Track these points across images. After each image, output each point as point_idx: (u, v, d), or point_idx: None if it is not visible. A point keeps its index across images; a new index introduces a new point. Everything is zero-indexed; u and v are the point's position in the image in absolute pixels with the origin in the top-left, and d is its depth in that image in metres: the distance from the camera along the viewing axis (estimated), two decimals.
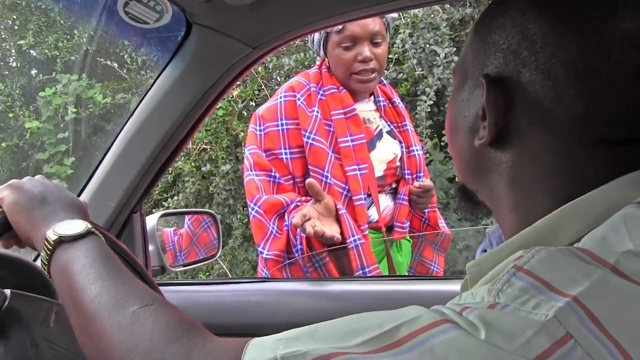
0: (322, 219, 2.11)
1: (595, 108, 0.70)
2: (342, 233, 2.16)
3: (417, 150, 2.51)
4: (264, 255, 2.20)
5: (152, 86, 1.48)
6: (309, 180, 2.11)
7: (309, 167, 2.26)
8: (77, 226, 0.96)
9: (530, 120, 0.75)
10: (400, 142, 2.49)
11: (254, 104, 5.76)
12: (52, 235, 0.94)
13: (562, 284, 0.56)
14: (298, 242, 2.13)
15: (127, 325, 0.77)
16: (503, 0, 0.81)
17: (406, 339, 0.58)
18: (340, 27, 2.26)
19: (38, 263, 1.28)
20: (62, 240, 0.93)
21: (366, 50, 2.31)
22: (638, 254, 0.59)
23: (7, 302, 1.03)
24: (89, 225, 0.97)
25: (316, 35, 2.40)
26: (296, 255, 2.16)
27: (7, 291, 1.04)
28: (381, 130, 2.47)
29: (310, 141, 2.25)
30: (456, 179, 4.97)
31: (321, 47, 2.42)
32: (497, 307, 0.57)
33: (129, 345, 0.75)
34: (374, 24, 2.32)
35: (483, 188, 0.86)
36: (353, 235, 2.17)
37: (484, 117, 0.78)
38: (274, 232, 2.19)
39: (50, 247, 0.93)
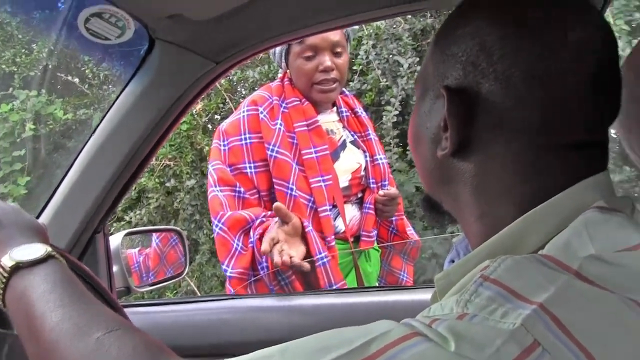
0: (289, 239, 2.11)
1: (554, 115, 0.73)
2: (308, 250, 2.15)
3: (381, 159, 2.53)
4: (228, 274, 2.19)
5: (114, 102, 1.46)
6: (276, 204, 2.10)
7: (274, 180, 2.26)
8: (35, 250, 0.93)
9: (491, 129, 0.76)
10: (364, 152, 2.50)
11: (218, 117, 5.74)
12: (8, 262, 0.90)
13: (528, 292, 0.57)
14: (263, 260, 2.12)
15: (91, 353, 0.75)
16: (461, 13, 0.83)
17: (377, 354, 0.57)
18: None
19: None
20: (19, 267, 0.90)
21: (327, 60, 2.33)
22: (600, 258, 0.61)
23: None
24: (49, 249, 0.94)
25: (277, 47, 2.39)
26: (261, 272, 2.14)
27: None
28: (345, 140, 2.48)
29: (274, 154, 2.25)
30: (421, 188, 5.01)
31: (282, 58, 2.43)
32: (465, 318, 0.57)
33: None
34: (334, 34, 2.33)
35: (448, 198, 0.87)
36: (320, 253, 2.17)
37: (445, 128, 0.79)
38: (239, 248, 2.18)
39: (5, 274, 0.90)
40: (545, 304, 0.55)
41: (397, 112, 4.95)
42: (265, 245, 2.01)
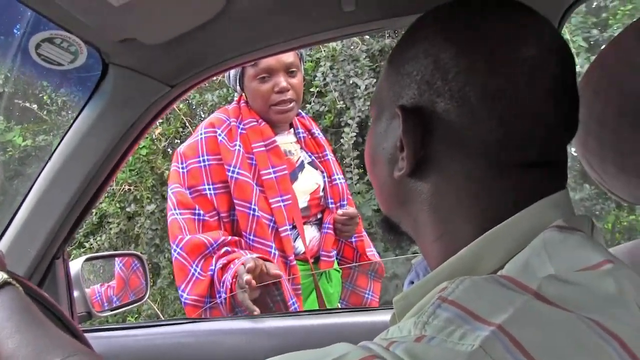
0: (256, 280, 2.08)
1: (510, 133, 0.72)
2: (283, 295, 2.16)
3: (339, 179, 2.54)
4: (184, 299, 2.18)
5: (70, 127, 1.45)
6: (278, 272, 2.10)
7: (235, 201, 2.25)
8: None
9: (447, 148, 0.76)
10: (322, 172, 2.51)
11: (178, 141, 5.72)
12: None
13: (486, 313, 0.56)
14: (222, 290, 2.10)
15: None
16: (415, 32, 0.83)
17: None
18: None
19: None
20: None
21: (282, 81, 2.34)
22: (558, 278, 0.60)
23: None
24: (5, 276, 0.94)
25: (232, 71, 2.41)
26: (219, 301, 2.13)
27: None
28: (302, 161, 2.49)
29: (235, 175, 2.25)
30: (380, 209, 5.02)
31: (237, 82, 2.44)
32: (423, 340, 0.56)
33: None
34: (287, 55, 2.35)
35: (406, 219, 0.86)
36: (291, 299, 2.18)
37: (402, 148, 0.79)
38: (196, 274, 2.16)
39: None
40: (503, 325, 0.54)
41: (354, 134, 4.97)
42: (251, 264, 1.99)
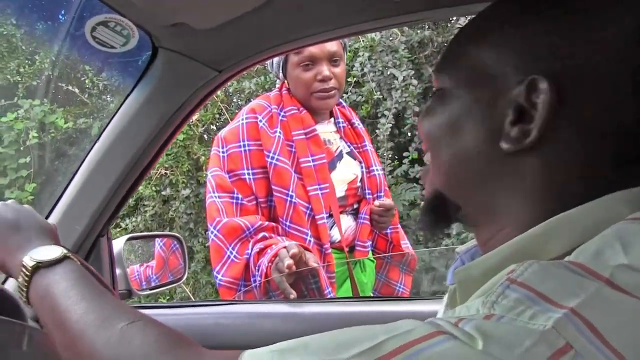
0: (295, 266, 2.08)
1: (628, 120, 0.69)
2: (319, 284, 2.16)
3: (377, 170, 2.55)
4: (218, 280, 2.20)
5: (118, 109, 1.48)
6: (315, 266, 2.10)
7: (273, 187, 2.27)
8: (53, 251, 0.98)
9: (571, 128, 0.71)
10: (360, 163, 2.52)
11: (214, 127, 5.77)
12: (29, 262, 0.95)
13: (557, 296, 0.56)
14: (258, 275, 2.11)
15: (117, 342, 0.79)
16: (535, 4, 0.77)
17: (401, 350, 0.57)
18: None
19: (6, 286, 1.28)
20: (39, 266, 0.95)
21: (325, 70, 2.36)
22: (632, 267, 0.59)
23: None
24: (64, 250, 0.99)
25: (275, 58, 2.40)
26: (253, 285, 2.15)
27: None
28: (341, 151, 2.50)
29: (274, 162, 2.27)
30: (415, 202, 5.00)
31: (280, 69, 2.45)
32: (493, 318, 0.56)
33: None
34: (332, 44, 2.36)
35: (477, 198, 0.81)
36: (327, 288, 2.18)
37: (516, 120, 0.73)
38: (232, 257, 2.19)
39: (28, 273, 0.95)
40: (576, 309, 0.54)
41: (390, 125, 4.96)
42: (295, 250, 2.00)
